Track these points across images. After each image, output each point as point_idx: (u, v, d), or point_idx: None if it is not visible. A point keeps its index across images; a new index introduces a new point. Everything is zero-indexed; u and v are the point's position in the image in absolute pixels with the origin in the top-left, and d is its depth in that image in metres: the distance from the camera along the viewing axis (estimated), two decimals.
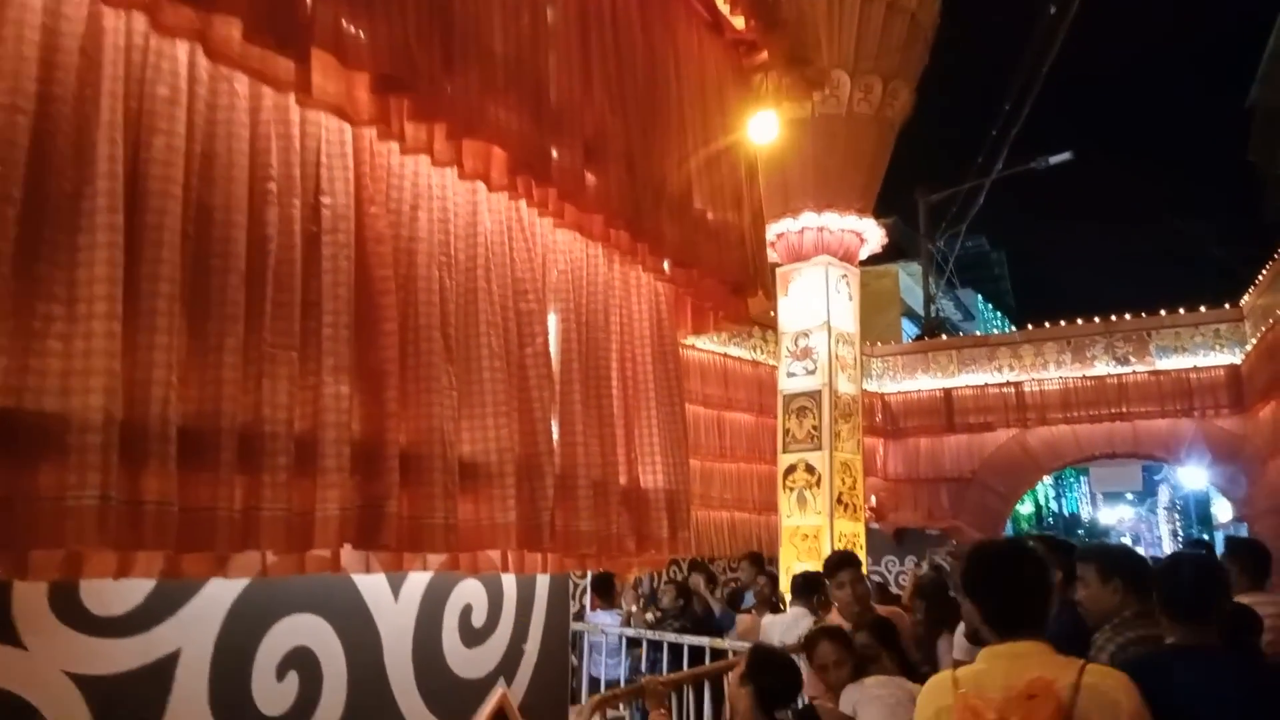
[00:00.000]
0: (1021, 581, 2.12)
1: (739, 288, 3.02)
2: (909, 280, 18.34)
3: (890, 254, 19.33)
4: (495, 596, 2.55)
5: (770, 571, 7.53)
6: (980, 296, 28.18)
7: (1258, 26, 15.21)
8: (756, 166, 3.40)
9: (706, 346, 11.09)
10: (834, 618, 4.59)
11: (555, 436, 2.32)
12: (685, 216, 2.75)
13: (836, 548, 8.08)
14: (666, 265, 2.80)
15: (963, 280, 25.65)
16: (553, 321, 2.43)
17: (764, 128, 9.19)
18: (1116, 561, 3.03)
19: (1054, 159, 14.24)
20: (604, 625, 4.95)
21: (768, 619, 5.66)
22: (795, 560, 8.57)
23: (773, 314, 9.99)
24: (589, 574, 6.81)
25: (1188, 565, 2.67)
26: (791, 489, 8.92)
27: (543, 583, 2.73)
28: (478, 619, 2.47)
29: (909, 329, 18.37)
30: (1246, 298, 12.39)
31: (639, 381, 2.71)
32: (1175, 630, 2.54)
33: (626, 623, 5.83)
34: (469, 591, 2.46)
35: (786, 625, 5.20)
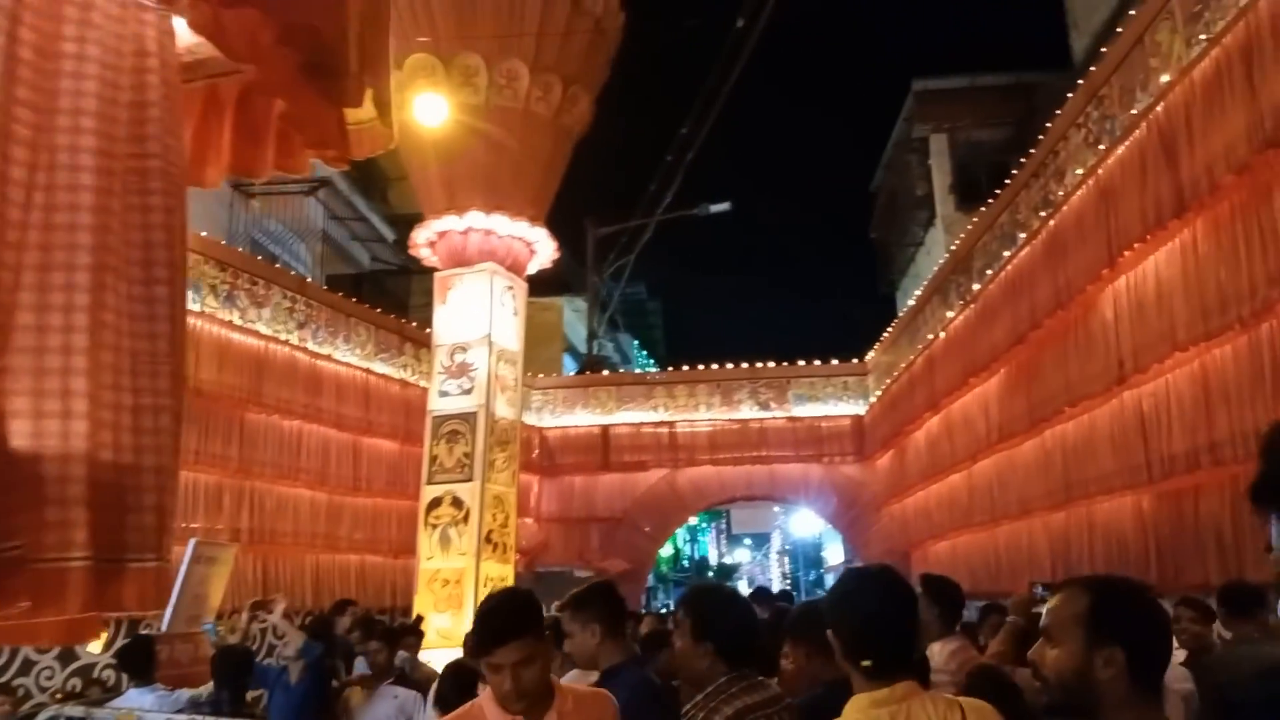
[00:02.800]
0: None
1: (322, 71, 1.80)
2: (573, 316, 18.04)
3: (556, 288, 19.03)
4: None
5: (385, 622, 6.23)
6: (637, 343, 29.07)
7: (889, 116, 17.11)
8: None
9: (346, 359, 9.55)
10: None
11: None
12: None
13: (482, 594, 7.00)
14: None
15: (622, 326, 26.18)
16: None
17: (432, 110, 8.01)
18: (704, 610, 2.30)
19: (714, 207, 14.71)
20: (140, 710, 3.40)
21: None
22: (433, 610, 7.34)
23: (428, 331, 8.81)
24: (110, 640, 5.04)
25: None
26: (435, 526, 7.70)
27: None
28: None
29: (570, 366, 18.02)
30: (871, 354, 13.49)
31: (56, 227, 1.46)
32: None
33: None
34: None
35: None
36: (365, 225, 14.91)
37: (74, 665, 5.75)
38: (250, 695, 4.61)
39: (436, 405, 8.00)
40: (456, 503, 7.61)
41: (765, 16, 9.44)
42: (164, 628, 4.81)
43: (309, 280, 12.86)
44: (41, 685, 5.49)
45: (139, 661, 4.05)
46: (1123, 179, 5.34)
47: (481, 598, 6.18)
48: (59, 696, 5.10)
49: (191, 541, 4.79)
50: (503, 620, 1.93)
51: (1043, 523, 7.37)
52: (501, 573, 7.75)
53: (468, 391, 7.86)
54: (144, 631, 4.84)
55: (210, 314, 7.97)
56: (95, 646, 4.96)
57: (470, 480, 7.63)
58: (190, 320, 7.73)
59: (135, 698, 3.84)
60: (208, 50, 1.84)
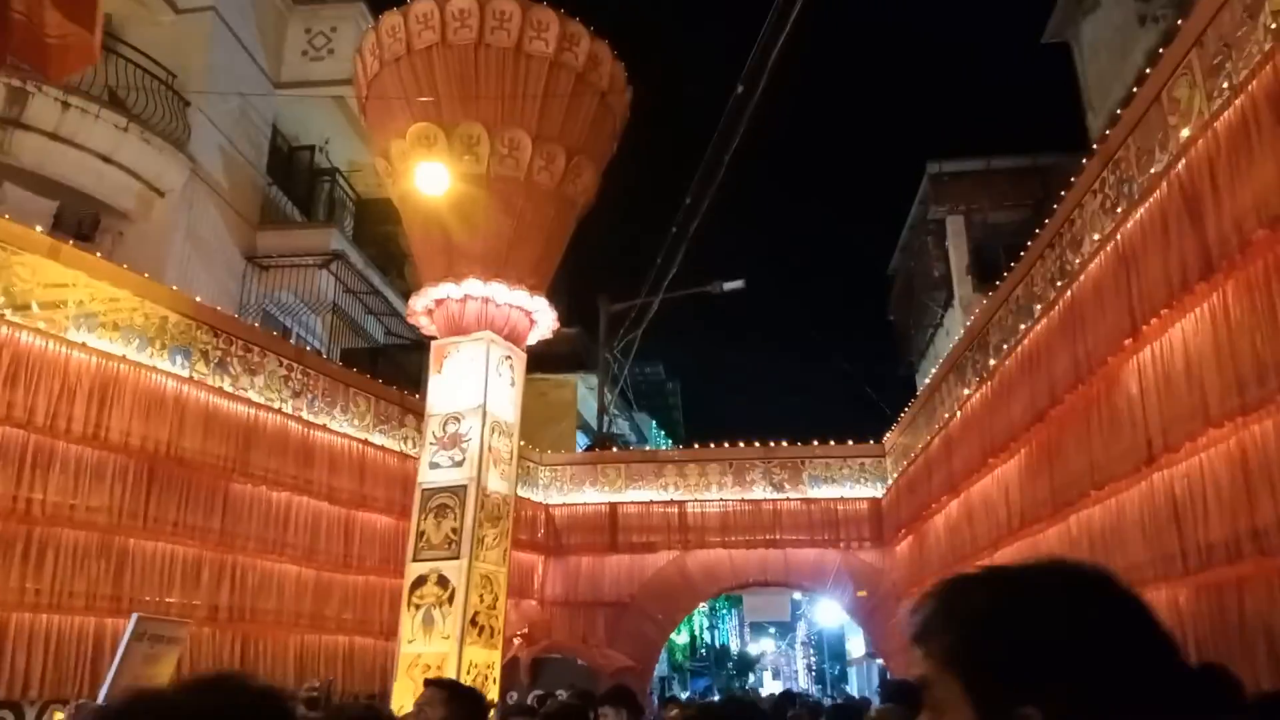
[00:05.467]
0: None
1: None
2: (588, 393, 17.76)
3: (572, 365, 18.85)
4: None
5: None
6: (655, 422, 28.69)
7: (905, 197, 17.01)
8: None
9: (342, 429, 9.27)
10: None
11: None
12: None
13: (465, 682, 6.51)
14: None
15: (639, 406, 25.87)
16: None
17: (434, 179, 7.92)
18: None
19: (728, 285, 14.53)
20: None
21: None
22: (412, 700, 6.83)
23: (417, 397, 8.55)
24: None
25: None
26: (418, 606, 7.27)
27: None
28: None
29: (584, 443, 17.66)
30: (888, 435, 13.03)
31: None
32: None
33: None
34: None
35: None
36: (379, 299, 14.84)
37: None
38: None
39: (426, 477, 7.67)
40: (442, 582, 7.19)
41: (763, 82, 9.35)
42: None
43: (321, 352, 12.78)
44: None
45: None
46: (1143, 242, 5.02)
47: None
48: None
49: (134, 616, 4.43)
50: None
51: None
52: (487, 659, 7.27)
53: (459, 463, 7.52)
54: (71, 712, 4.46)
55: (199, 380, 7.76)
56: None
57: (457, 558, 7.23)
58: (176, 385, 7.57)
59: None
60: None
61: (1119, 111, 5.64)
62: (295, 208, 14.73)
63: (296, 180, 15.19)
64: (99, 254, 7.46)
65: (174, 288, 8.17)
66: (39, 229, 6.73)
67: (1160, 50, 5.14)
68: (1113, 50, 11.12)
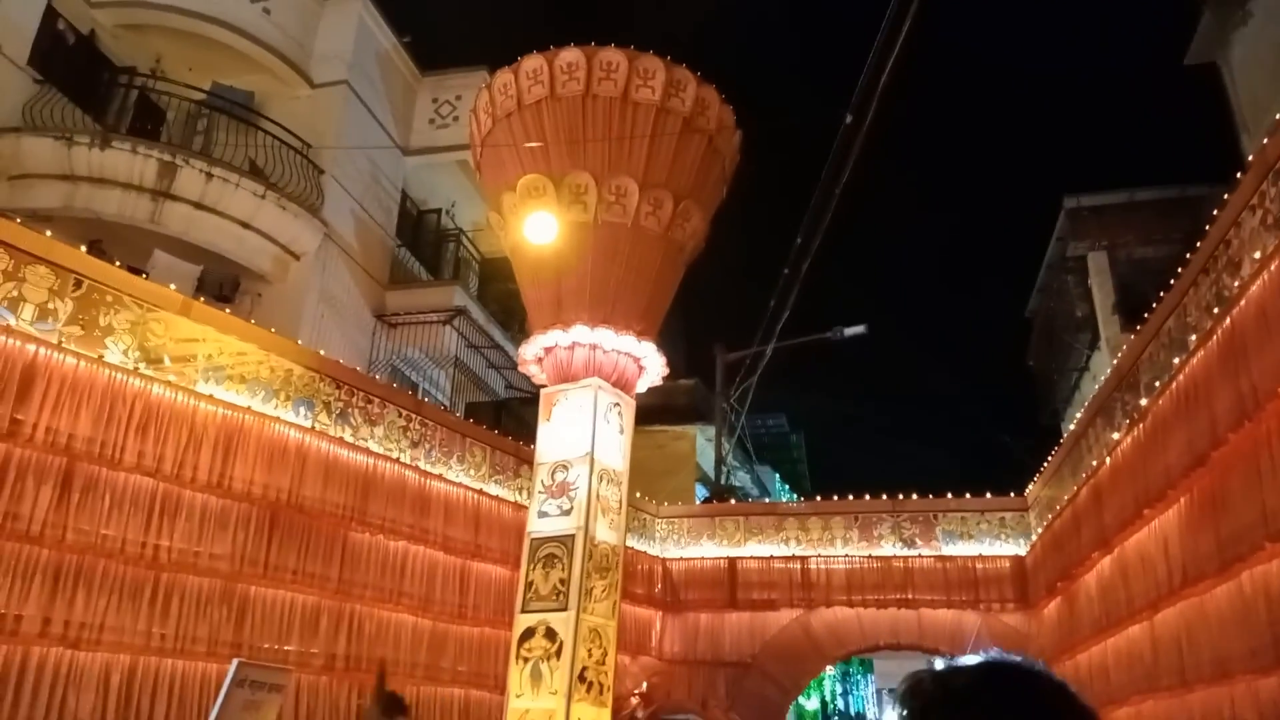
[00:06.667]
0: None
1: None
2: (706, 445, 17.45)
3: (690, 417, 18.61)
4: None
5: None
6: (779, 476, 27.96)
7: (1042, 234, 16.11)
8: None
9: (458, 479, 9.33)
10: None
11: None
12: None
13: None
14: None
15: (762, 459, 25.29)
16: None
17: (542, 230, 7.97)
18: None
19: (849, 331, 14.04)
20: None
21: None
22: None
23: (532, 447, 8.51)
24: None
25: None
26: (526, 659, 7.11)
27: None
28: None
29: (703, 495, 17.31)
30: (1031, 487, 12.12)
31: None
32: None
33: None
34: None
35: None
36: (500, 353, 15.13)
37: None
38: None
39: (535, 526, 7.56)
40: (550, 634, 7.01)
41: (871, 111, 9.01)
42: None
43: (446, 406, 13.07)
44: None
45: None
46: None
47: None
48: None
49: (234, 661, 4.44)
50: None
51: (1249, 689, 5.96)
52: (597, 716, 7.00)
53: (567, 512, 7.39)
54: None
55: (321, 430, 7.97)
56: None
57: (565, 609, 7.04)
58: (299, 436, 7.80)
59: None
60: None
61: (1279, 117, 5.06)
62: (423, 268, 15.31)
63: (424, 242, 15.82)
64: (231, 312, 7.84)
65: (299, 342, 8.48)
66: (172, 287, 7.11)
67: None
68: (1268, 68, 10.22)
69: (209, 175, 10.46)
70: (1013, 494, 12.53)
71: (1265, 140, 5.16)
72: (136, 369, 6.55)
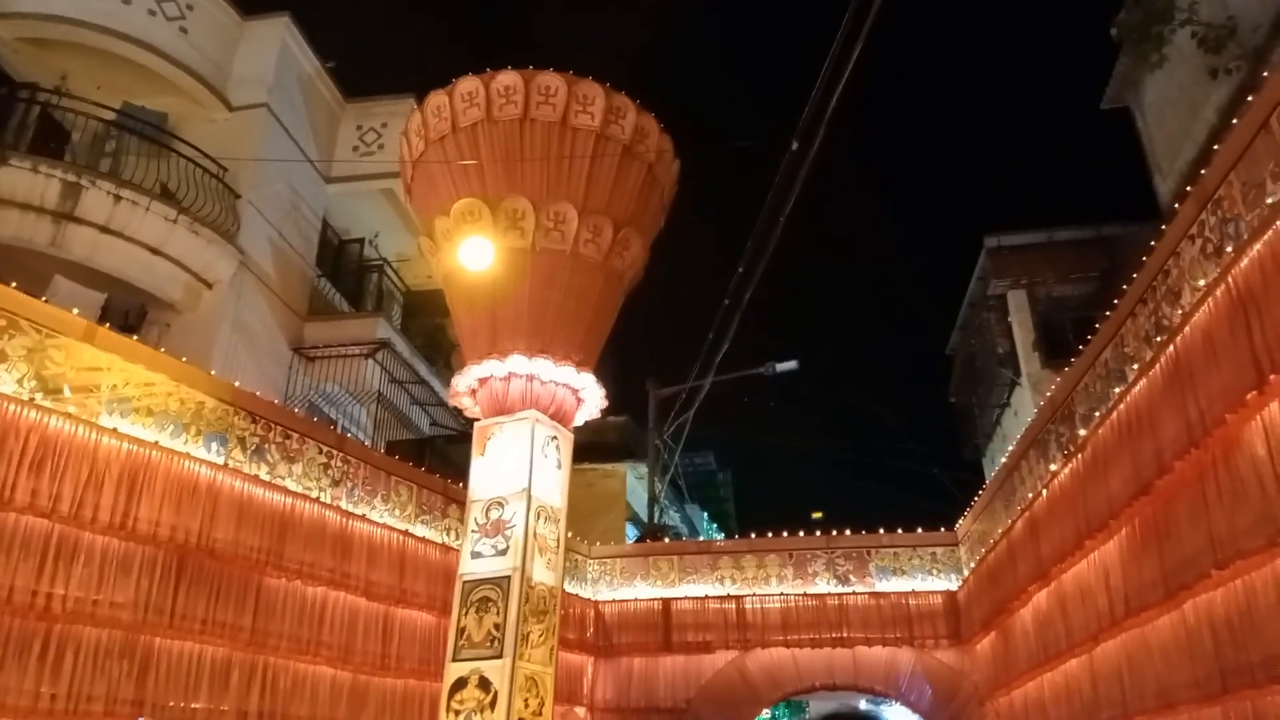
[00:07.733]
0: None
1: None
2: (637, 483, 17.17)
3: (620, 454, 18.31)
4: None
5: None
6: (705, 515, 27.79)
7: (962, 274, 16.52)
8: None
9: (382, 520, 8.84)
10: None
11: None
12: None
13: None
14: None
15: (690, 498, 25.10)
16: None
17: (478, 255, 7.66)
18: None
19: (780, 366, 14.04)
20: None
21: None
22: None
23: (461, 486, 8.11)
24: None
25: None
26: (458, 712, 6.65)
27: None
28: None
29: (633, 535, 16.98)
30: (961, 522, 12.19)
31: None
32: None
33: None
34: None
35: None
36: (425, 389, 14.62)
37: None
38: None
39: (468, 568, 7.15)
40: (484, 684, 6.58)
41: (820, 133, 9.04)
42: None
43: (366, 444, 12.48)
44: None
45: None
46: (1263, 283, 4.46)
47: None
48: None
49: None
50: None
51: (1191, 719, 5.95)
52: None
53: (502, 552, 7.01)
54: None
55: (235, 468, 7.43)
56: None
57: (500, 657, 6.63)
58: (210, 473, 7.24)
59: None
60: None
61: (1215, 148, 5.16)
62: (344, 299, 14.74)
63: (346, 272, 15.26)
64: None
65: (212, 372, 7.94)
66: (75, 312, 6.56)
67: (1247, 96, 4.70)
68: (1180, 109, 10.69)
69: (117, 197, 9.84)
70: (943, 529, 12.59)
71: (1203, 172, 5.26)
72: (32, 399, 5.97)
